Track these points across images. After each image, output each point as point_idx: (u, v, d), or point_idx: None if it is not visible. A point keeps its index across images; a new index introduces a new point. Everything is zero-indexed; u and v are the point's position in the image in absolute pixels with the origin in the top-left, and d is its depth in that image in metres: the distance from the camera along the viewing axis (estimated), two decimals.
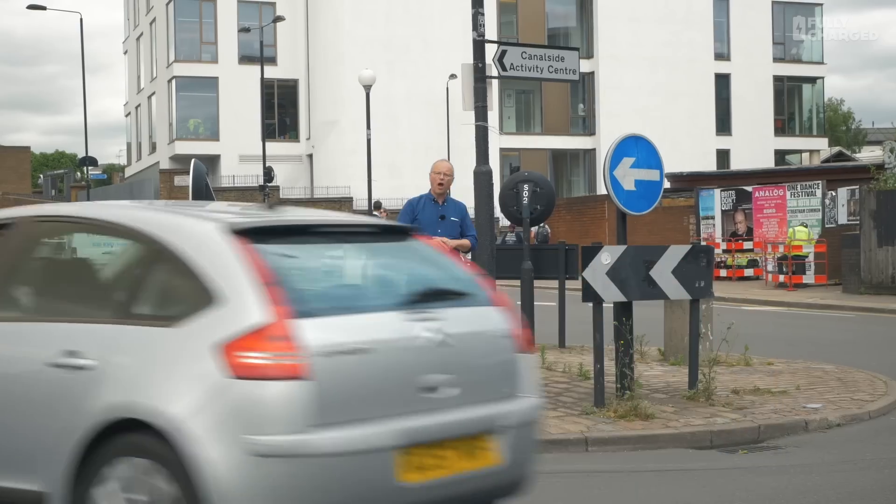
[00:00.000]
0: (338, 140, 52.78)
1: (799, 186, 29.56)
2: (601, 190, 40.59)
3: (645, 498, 6.98)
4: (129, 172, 68.15)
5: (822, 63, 62.28)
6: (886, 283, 23.65)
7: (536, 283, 13.97)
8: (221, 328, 4.43)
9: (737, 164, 55.17)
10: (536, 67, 12.86)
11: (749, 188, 31.40)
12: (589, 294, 9.11)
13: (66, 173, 77.12)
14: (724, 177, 39.28)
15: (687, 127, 55.77)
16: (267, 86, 48.65)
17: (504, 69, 12.68)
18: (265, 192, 41.73)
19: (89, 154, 52.04)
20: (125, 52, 68.64)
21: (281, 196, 51.06)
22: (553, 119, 57.65)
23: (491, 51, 12.70)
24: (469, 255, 12.93)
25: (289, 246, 4.88)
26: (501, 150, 52.01)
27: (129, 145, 68.91)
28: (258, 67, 45.42)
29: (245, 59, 54.03)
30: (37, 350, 4.92)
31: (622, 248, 9.40)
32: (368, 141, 32.06)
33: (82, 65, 46.33)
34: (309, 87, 55.52)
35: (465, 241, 9.52)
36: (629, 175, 9.97)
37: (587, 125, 58.29)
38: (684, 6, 57.49)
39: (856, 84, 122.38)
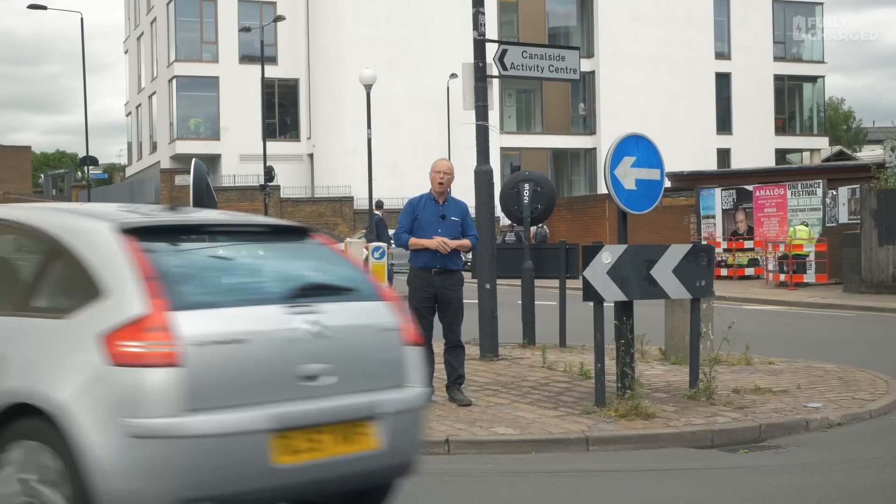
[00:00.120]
0: (338, 139, 52.78)
1: (800, 185, 29.55)
2: (602, 189, 40.62)
3: (646, 497, 6.98)
4: (129, 172, 68.15)
5: (822, 62, 62.29)
6: (887, 282, 23.65)
7: (537, 282, 13.98)
8: (105, 319, 4.79)
9: (737, 163, 55.17)
10: (537, 67, 12.87)
11: (750, 187, 31.40)
12: (590, 293, 9.11)
13: (66, 173, 77.18)
14: (725, 176, 39.28)
15: (687, 126, 55.77)
16: (268, 85, 48.64)
17: (505, 68, 12.69)
18: (266, 192, 41.73)
19: (90, 154, 52.02)
20: (126, 52, 68.64)
21: (282, 196, 51.13)
22: (554, 118, 57.65)
23: (491, 50, 12.71)
24: (470, 255, 12.97)
25: (175, 244, 5.26)
26: (502, 149, 52.02)
27: (129, 145, 68.92)
28: (259, 67, 45.40)
29: (246, 58, 54.04)
30: None
31: (623, 247, 9.40)
32: (369, 140, 32.06)
33: (83, 64, 46.35)
34: (310, 87, 55.52)
35: (466, 242, 9.52)
36: (630, 174, 9.97)
37: (588, 124, 58.29)
38: (685, 5, 57.49)
39: (856, 83, 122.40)
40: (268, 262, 5.68)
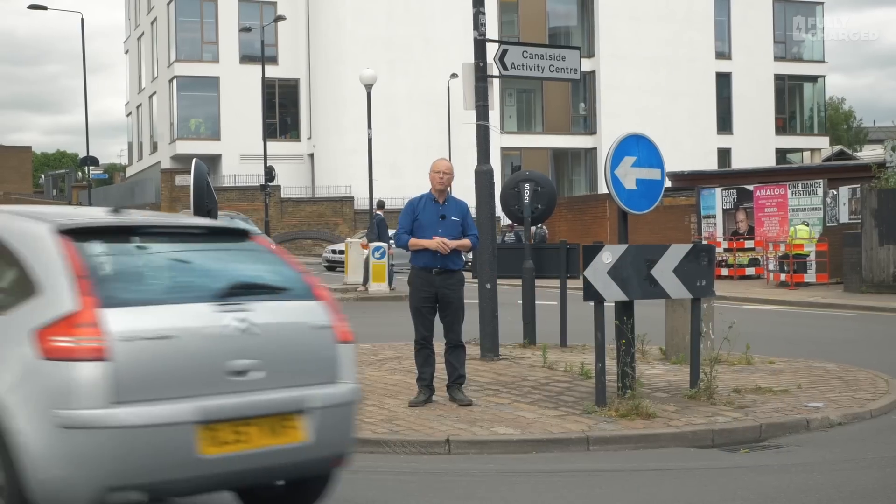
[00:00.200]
0: (339, 139, 52.79)
1: (800, 185, 29.54)
2: (602, 189, 40.60)
3: (646, 497, 6.97)
4: (130, 172, 68.19)
5: (822, 62, 62.31)
6: (888, 281, 23.64)
7: (538, 282, 13.98)
8: (38, 315, 5.04)
9: (738, 162, 55.19)
10: (537, 66, 12.86)
11: (750, 187, 31.39)
12: (590, 293, 9.11)
13: (67, 173, 77.26)
14: (726, 176, 39.28)
15: (688, 126, 55.79)
16: (268, 85, 48.64)
17: (505, 68, 12.69)
18: (266, 192, 41.73)
19: (90, 154, 52.02)
20: (126, 52, 68.65)
21: (282, 196, 51.14)
22: (554, 118, 57.66)
23: (492, 50, 12.71)
24: (470, 255, 12.97)
25: (111, 245, 5.47)
26: (502, 149, 52.03)
27: (130, 145, 68.96)
28: (259, 67, 45.39)
29: (246, 58, 54.06)
30: None
31: (623, 247, 9.40)
32: (369, 140, 32.04)
33: (83, 64, 46.36)
34: (310, 87, 55.53)
35: (466, 241, 9.51)
36: (630, 174, 9.97)
37: (588, 124, 58.31)
38: (685, 5, 57.51)
39: (857, 83, 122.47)
40: (202, 262, 5.89)
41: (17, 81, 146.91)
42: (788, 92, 61.76)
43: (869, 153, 57.24)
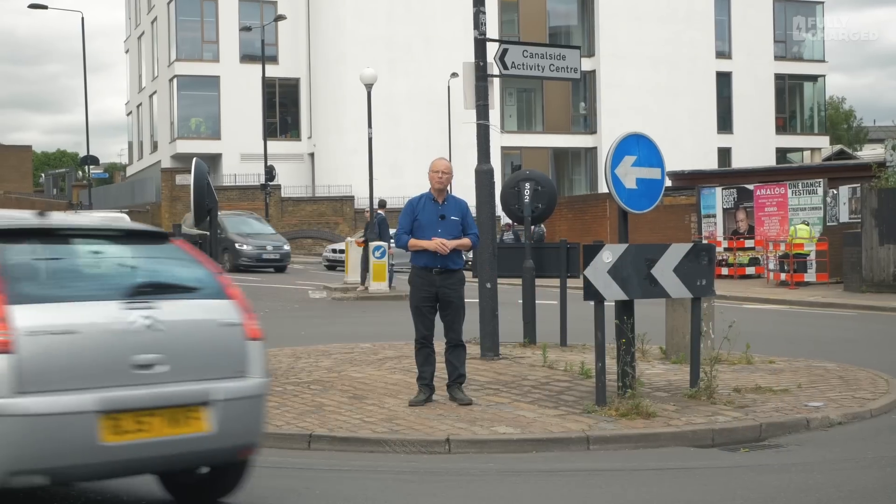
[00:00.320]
0: (339, 139, 52.79)
1: (800, 184, 29.53)
2: (602, 188, 40.61)
3: (646, 496, 6.98)
4: (130, 171, 68.17)
5: (823, 61, 62.29)
6: (888, 281, 23.64)
7: (538, 281, 13.98)
8: None
9: (738, 162, 55.17)
10: (538, 66, 12.86)
11: (750, 186, 31.38)
12: (590, 292, 9.11)
13: (67, 172, 77.22)
14: (726, 175, 39.26)
15: (688, 125, 55.77)
16: (268, 84, 48.68)
17: (505, 68, 12.69)
18: (267, 191, 41.73)
19: (91, 153, 52.10)
20: (126, 51, 68.63)
21: (283, 195, 51.14)
22: (554, 117, 57.65)
23: (492, 49, 12.70)
24: (471, 254, 12.96)
25: (26, 245, 5.78)
26: (503, 148, 52.02)
27: (130, 144, 68.94)
28: (259, 66, 45.44)
29: (246, 57, 54.03)
30: None
31: (624, 246, 9.40)
32: (370, 140, 32.00)
33: (84, 64, 46.39)
34: (310, 86, 55.52)
35: (466, 241, 9.51)
36: (631, 173, 9.97)
37: (588, 123, 58.30)
38: (685, 5, 57.50)
39: (857, 82, 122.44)
40: (115, 263, 6.19)
41: (17, 81, 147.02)
42: (789, 91, 61.75)
43: (869, 153, 57.26)
